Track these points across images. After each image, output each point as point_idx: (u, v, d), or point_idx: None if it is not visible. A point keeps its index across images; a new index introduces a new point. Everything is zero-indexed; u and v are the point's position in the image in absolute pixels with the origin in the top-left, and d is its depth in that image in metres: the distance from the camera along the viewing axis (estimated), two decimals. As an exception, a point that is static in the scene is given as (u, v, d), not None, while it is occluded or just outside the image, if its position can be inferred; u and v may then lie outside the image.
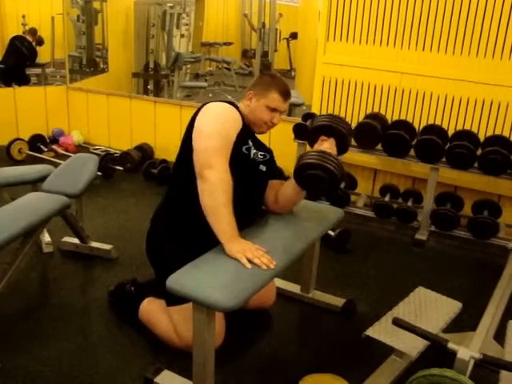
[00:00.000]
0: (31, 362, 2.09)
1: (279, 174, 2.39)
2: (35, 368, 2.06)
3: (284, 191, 2.23)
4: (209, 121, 2.00)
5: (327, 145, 2.13)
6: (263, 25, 7.13)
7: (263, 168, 2.20)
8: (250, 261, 1.81)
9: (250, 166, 2.15)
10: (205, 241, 1.91)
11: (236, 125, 2.04)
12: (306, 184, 2.09)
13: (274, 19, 7.18)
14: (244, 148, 2.11)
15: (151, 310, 2.28)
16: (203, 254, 1.88)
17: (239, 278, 1.75)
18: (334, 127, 2.17)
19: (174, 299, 1.89)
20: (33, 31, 6.64)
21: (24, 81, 6.16)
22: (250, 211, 2.21)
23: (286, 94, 2.17)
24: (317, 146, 2.16)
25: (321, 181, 2.00)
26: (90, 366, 2.11)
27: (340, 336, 2.41)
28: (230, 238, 1.87)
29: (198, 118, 2.03)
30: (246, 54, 8.51)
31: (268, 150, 2.28)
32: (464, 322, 2.22)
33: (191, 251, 1.91)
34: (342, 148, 2.19)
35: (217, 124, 1.98)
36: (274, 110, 2.15)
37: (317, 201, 3.67)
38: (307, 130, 3.65)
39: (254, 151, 2.15)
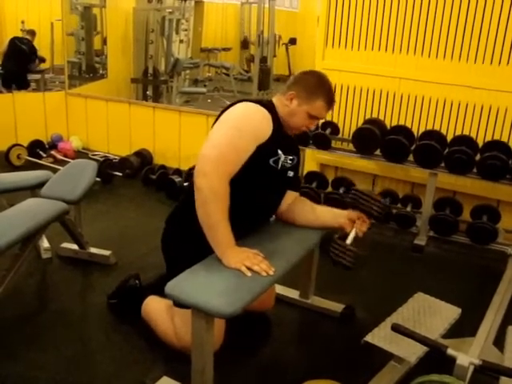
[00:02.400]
0: (28, 368, 2.08)
1: (297, 183, 2.28)
2: (32, 374, 2.05)
3: (307, 217, 2.17)
4: (223, 125, 1.88)
5: (364, 228, 2.09)
6: (261, 31, 7.14)
7: (290, 174, 2.11)
8: (249, 268, 1.80)
9: (277, 177, 2.04)
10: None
11: (256, 133, 1.88)
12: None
13: (273, 25, 7.19)
14: (272, 161, 1.96)
15: (154, 308, 2.27)
16: (202, 260, 1.87)
17: (238, 285, 1.74)
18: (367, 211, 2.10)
19: None
20: (31, 32, 6.71)
21: (24, 84, 6.19)
22: (268, 217, 2.21)
23: (332, 102, 2.02)
24: (353, 223, 2.10)
25: None
26: (88, 372, 2.10)
27: (339, 342, 2.41)
28: (226, 250, 1.83)
29: (220, 118, 1.92)
30: (246, 45, 8.44)
31: (297, 152, 2.15)
32: (463, 328, 2.21)
33: (204, 253, 1.88)
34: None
35: (228, 130, 1.84)
36: (314, 117, 2.03)
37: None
38: (307, 137, 3.64)
39: (283, 158, 1.99)
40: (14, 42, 6.43)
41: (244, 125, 1.87)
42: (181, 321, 2.06)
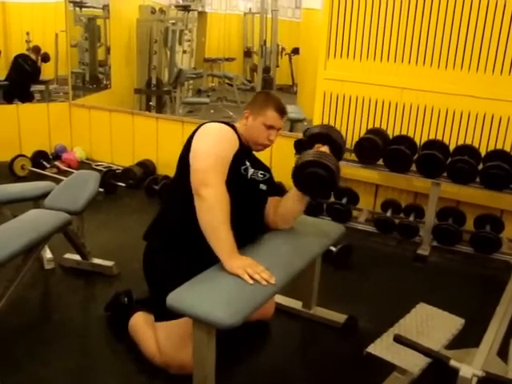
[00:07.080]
0: (31, 380, 2.08)
1: (278, 191, 2.40)
2: (35, 386, 2.05)
3: (284, 203, 2.25)
4: (205, 141, 2.02)
5: (323, 149, 2.22)
6: (264, 42, 7.18)
7: (263, 187, 2.23)
8: (250, 277, 1.81)
9: (248, 186, 2.17)
10: (201, 258, 1.91)
11: (232, 145, 2.06)
12: (305, 184, 2.14)
13: (276, 35, 7.23)
14: (242, 168, 2.13)
15: (138, 324, 2.29)
16: (203, 272, 1.88)
17: (239, 296, 1.74)
18: (329, 135, 2.28)
19: (162, 315, 1.89)
20: (36, 49, 6.71)
21: (27, 98, 6.21)
22: (251, 229, 2.22)
23: (282, 111, 2.22)
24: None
25: (320, 178, 2.08)
26: (91, 383, 2.10)
27: (341, 352, 2.40)
28: (230, 255, 1.86)
29: (194, 138, 2.06)
30: (249, 55, 8.46)
31: (267, 169, 2.30)
32: (467, 339, 2.19)
33: (185, 268, 1.92)
34: (337, 157, 2.24)
35: (213, 143, 2.00)
36: (270, 127, 2.19)
37: (317, 216, 3.67)
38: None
39: (252, 170, 2.17)
40: (18, 61, 6.44)
41: (222, 137, 2.06)
42: (165, 334, 2.08)
